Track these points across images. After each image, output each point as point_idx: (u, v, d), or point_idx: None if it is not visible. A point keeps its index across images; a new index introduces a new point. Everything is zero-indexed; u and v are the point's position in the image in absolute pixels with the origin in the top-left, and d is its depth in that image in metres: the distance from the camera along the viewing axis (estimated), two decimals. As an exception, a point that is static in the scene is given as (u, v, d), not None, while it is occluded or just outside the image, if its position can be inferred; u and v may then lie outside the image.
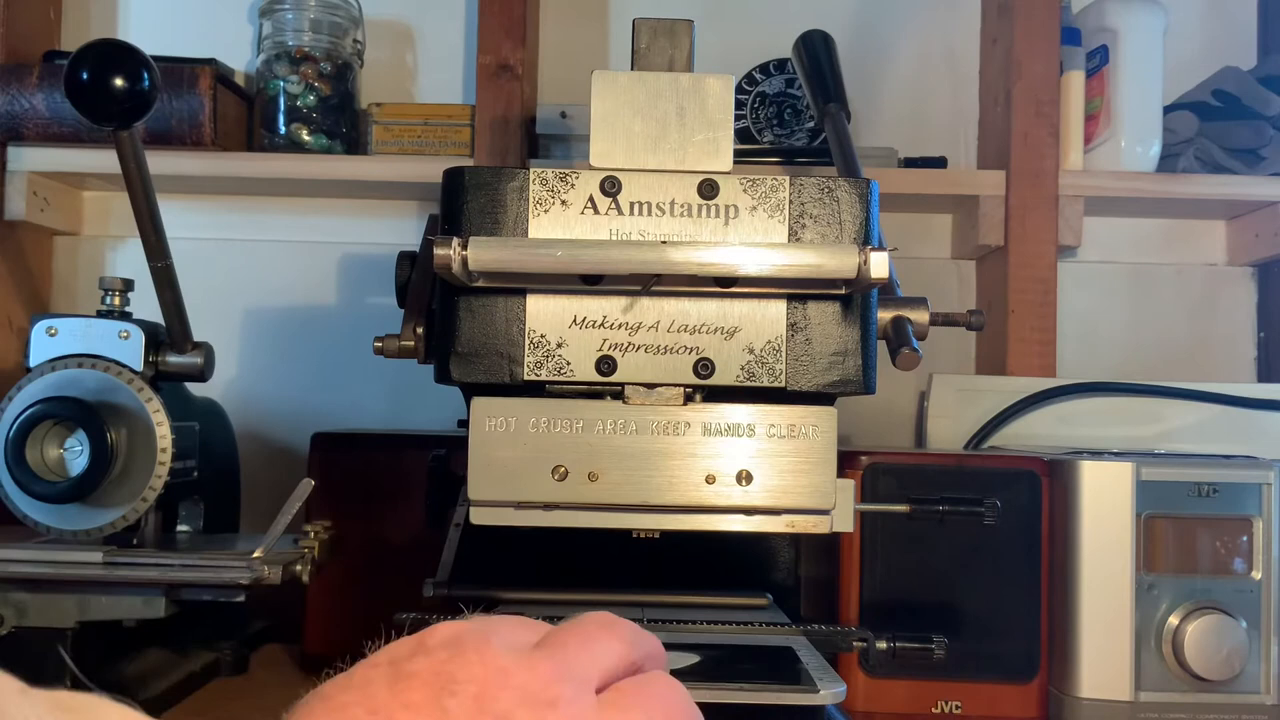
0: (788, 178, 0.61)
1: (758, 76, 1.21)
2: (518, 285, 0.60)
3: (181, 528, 0.91)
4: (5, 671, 0.24)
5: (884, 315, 0.64)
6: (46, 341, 0.81)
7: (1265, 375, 1.22)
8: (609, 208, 0.60)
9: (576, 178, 0.60)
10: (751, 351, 0.60)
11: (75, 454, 0.79)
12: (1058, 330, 1.13)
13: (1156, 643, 0.78)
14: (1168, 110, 1.13)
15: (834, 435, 0.61)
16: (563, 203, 0.60)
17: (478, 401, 0.60)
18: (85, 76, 0.65)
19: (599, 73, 0.63)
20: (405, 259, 0.70)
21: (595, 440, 0.60)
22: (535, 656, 0.33)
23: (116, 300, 0.85)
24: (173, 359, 0.83)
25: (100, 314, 0.83)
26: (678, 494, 0.60)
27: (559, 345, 0.60)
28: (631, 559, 0.80)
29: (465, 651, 0.32)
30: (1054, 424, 1.10)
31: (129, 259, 1.22)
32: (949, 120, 1.25)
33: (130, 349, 0.81)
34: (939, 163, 1.17)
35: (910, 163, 1.16)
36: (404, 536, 0.92)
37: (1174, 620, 0.78)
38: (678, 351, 0.60)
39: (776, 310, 0.60)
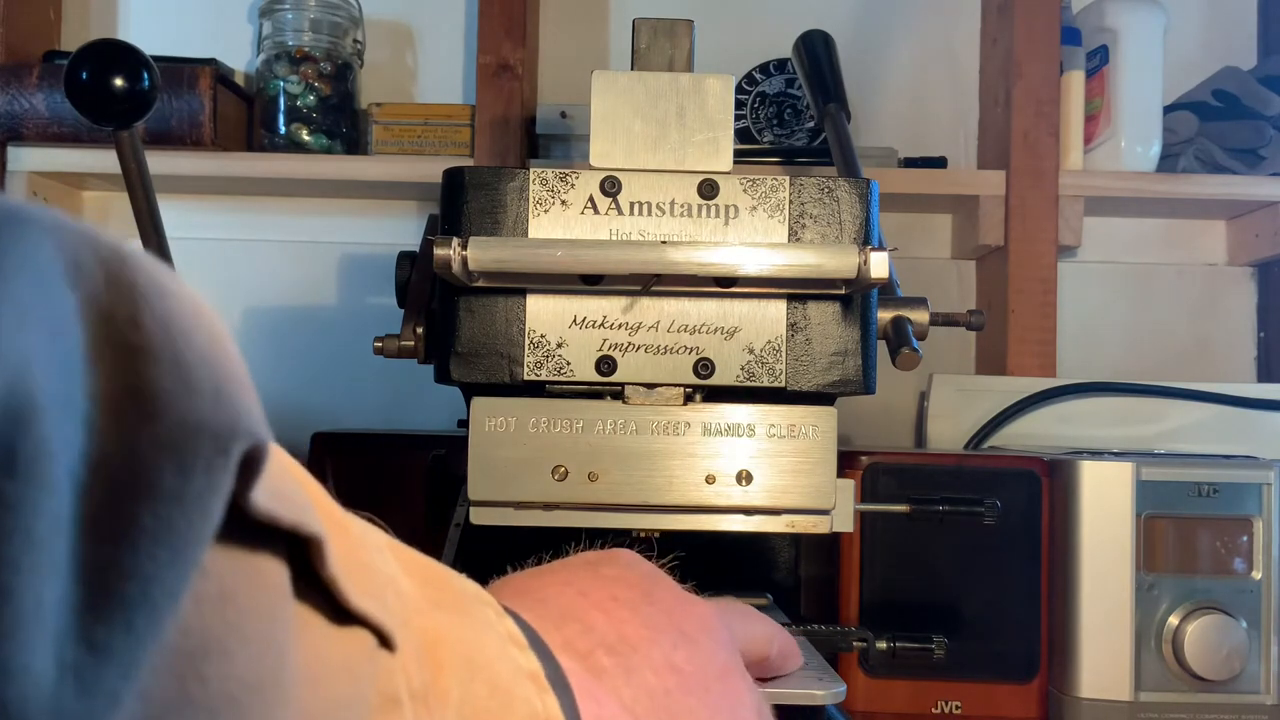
0: (788, 178, 0.61)
1: (758, 76, 1.21)
2: (518, 285, 0.60)
3: (181, 528, 0.91)
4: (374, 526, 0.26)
5: (884, 315, 0.64)
6: (46, 341, 0.81)
7: (1265, 375, 1.22)
8: (609, 208, 0.60)
9: (576, 178, 0.60)
10: (751, 351, 0.60)
11: (75, 454, 0.79)
12: (1058, 330, 1.13)
13: (1156, 643, 0.78)
14: (1168, 110, 1.14)
15: (834, 435, 0.61)
16: (563, 203, 0.60)
17: (478, 401, 0.60)
18: (85, 76, 0.65)
19: (599, 73, 0.63)
20: (405, 259, 0.70)
21: (595, 440, 0.60)
22: (706, 600, 0.37)
23: (116, 300, 0.84)
24: (173, 359, 0.83)
25: (100, 314, 0.83)
26: (678, 494, 0.60)
27: (559, 345, 0.60)
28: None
29: (652, 574, 0.36)
30: (1054, 424, 1.10)
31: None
32: (949, 120, 1.25)
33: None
34: (939, 163, 1.17)
35: (910, 163, 1.16)
36: (404, 536, 0.91)
37: (1174, 620, 0.78)
38: (678, 351, 0.60)
39: (776, 310, 0.60)
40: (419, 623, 0.25)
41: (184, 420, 0.17)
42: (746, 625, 0.39)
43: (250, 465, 0.18)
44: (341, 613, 0.22)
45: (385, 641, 0.23)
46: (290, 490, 0.20)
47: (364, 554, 0.24)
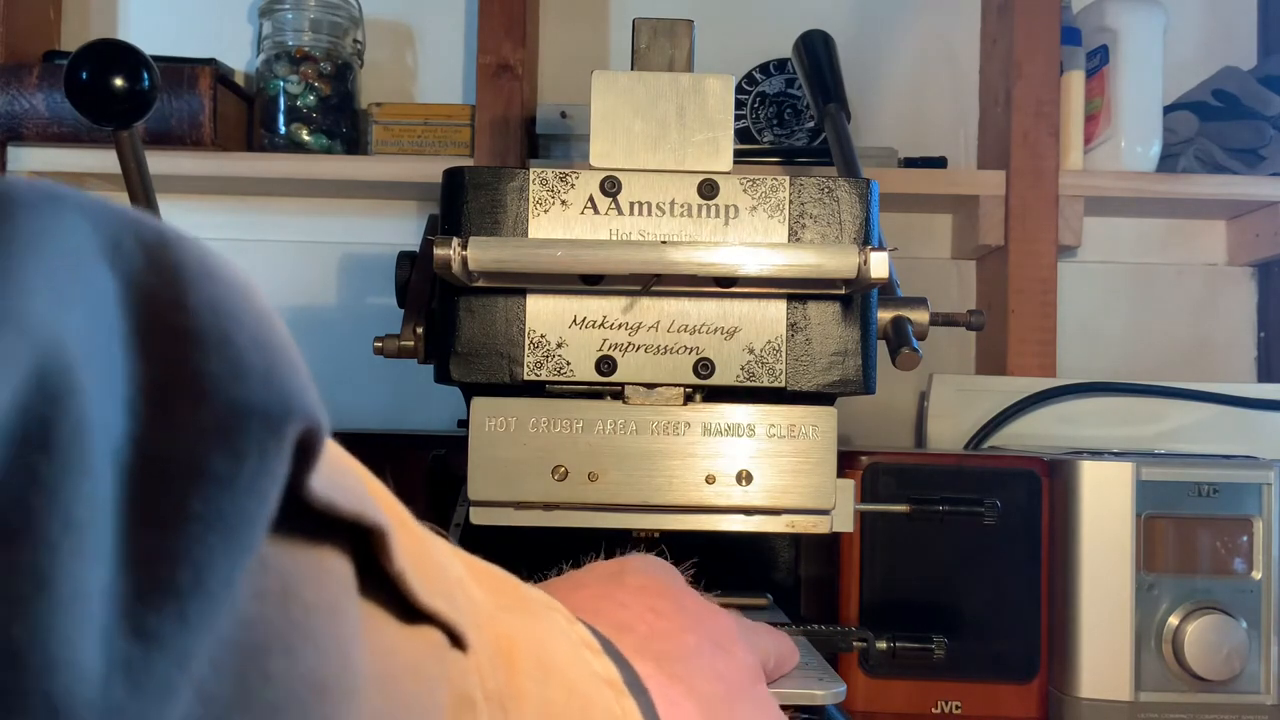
0: (788, 178, 0.61)
1: (758, 76, 1.21)
2: (518, 285, 0.60)
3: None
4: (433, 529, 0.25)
5: (884, 315, 0.64)
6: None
7: (1265, 375, 1.22)
8: (609, 208, 0.60)
9: (576, 178, 0.60)
10: (751, 351, 0.60)
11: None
12: (1058, 330, 1.13)
13: (1156, 643, 0.78)
14: (1168, 110, 1.13)
15: (834, 435, 0.61)
16: (563, 203, 0.60)
17: (478, 401, 0.60)
18: (85, 76, 0.65)
19: (599, 73, 0.63)
20: (405, 259, 0.70)
21: (595, 440, 0.60)
22: (723, 609, 0.37)
23: (116, 300, 0.85)
24: (173, 359, 0.83)
25: (100, 314, 0.83)
26: (678, 494, 0.60)
27: (559, 345, 0.60)
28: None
29: (671, 579, 0.36)
30: (1054, 424, 1.10)
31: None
32: (949, 120, 1.25)
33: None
34: (939, 163, 1.17)
35: (910, 163, 1.16)
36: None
37: (1174, 620, 0.78)
38: (678, 351, 0.60)
39: (776, 310, 0.60)
40: (491, 625, 0.25)
41: (233, 403, 0.16)
42: (756, 635, 0.40)
43: (306, 451, 0.18)
44: (410, 611, 0.21)
45: (457, 641, 0.22)
46: (350, 481, 0.20)
47: (431, 552, 0.23)
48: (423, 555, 0.22)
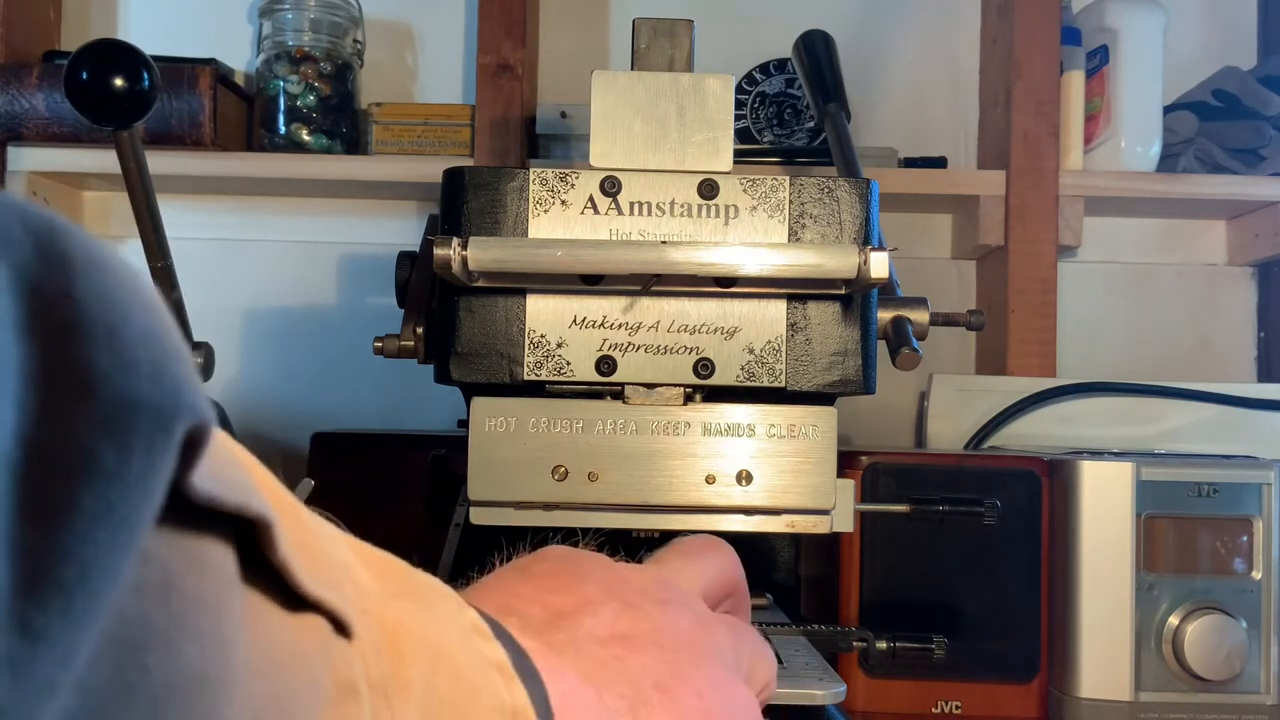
0: (788, 178, 0.61)
1: (758, 76, 1.21)
2: (518, 285, 0.60)
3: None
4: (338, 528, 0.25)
5: (884, 315, 0.64)
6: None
7: (1265, 375, 1.22)
8: (609, 208, 0.60)
9: (576, 178, 0.60)
10: (751, 351, 0.60)
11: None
12: (1058, 330, 1.13)
13: (1156, 643, 0.78)
14: (1168, 110, 1.13)
15: (834, 435, 0.61)
16: (563, 203, 0.60)
17: (478, 401, 0.60)
18: (85, 76, 0.65)
19: (599, 72, 0.63)
20: (405, 259, 0.70)
21: (595, 440, 0.60)
22: (643, 567, 0.36)
23: (116, 300, 0.84)
24: (173, 359, 0.83)
25: (100, 314, 0.83)
26: (678, 494, 0.60)
27: (559, 345, 0.60)
28: (631, 559, 0.80)
29: (583, 559, 0.35)
30: (1054, 424, 1.10)
31: (129, 259, 1.22)
32: (949, 120, 1.25)
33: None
34: (939, 163, 1.17)
35: (910, 163, 1.16)
36: (404, 536, 0.91)
37: (1174, 620, 0.78)
38: (678, 351, 0.60)
39: (776, 310, 0.60)
40: (378, 612, 0.24)
41: (121, 397, 0.16)
42: (695, 568, 0.38)
43: (192, 446, 0.17)
44: (294, 599, 0.21)
45: (342, 629, 0.22)
46: (235, 473, 0.20)
47: (318, 540, 0.23)
48: (309, 544, 0.22)
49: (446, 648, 0.26)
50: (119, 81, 0.66)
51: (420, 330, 0.65)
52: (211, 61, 1.09)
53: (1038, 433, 1.09)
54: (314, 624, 0.22)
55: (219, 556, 0.19)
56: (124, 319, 0.17)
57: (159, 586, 0.17)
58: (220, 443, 0.19)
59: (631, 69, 0.65)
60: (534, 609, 0.32)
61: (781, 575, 0.87)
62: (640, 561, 0.39)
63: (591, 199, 0.60)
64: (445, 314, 0.61)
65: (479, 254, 0.55)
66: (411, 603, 0.26)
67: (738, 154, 0.74)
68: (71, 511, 0.15)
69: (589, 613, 0.32)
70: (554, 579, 0.33)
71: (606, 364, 0.60)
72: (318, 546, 0.23)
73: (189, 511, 0.18)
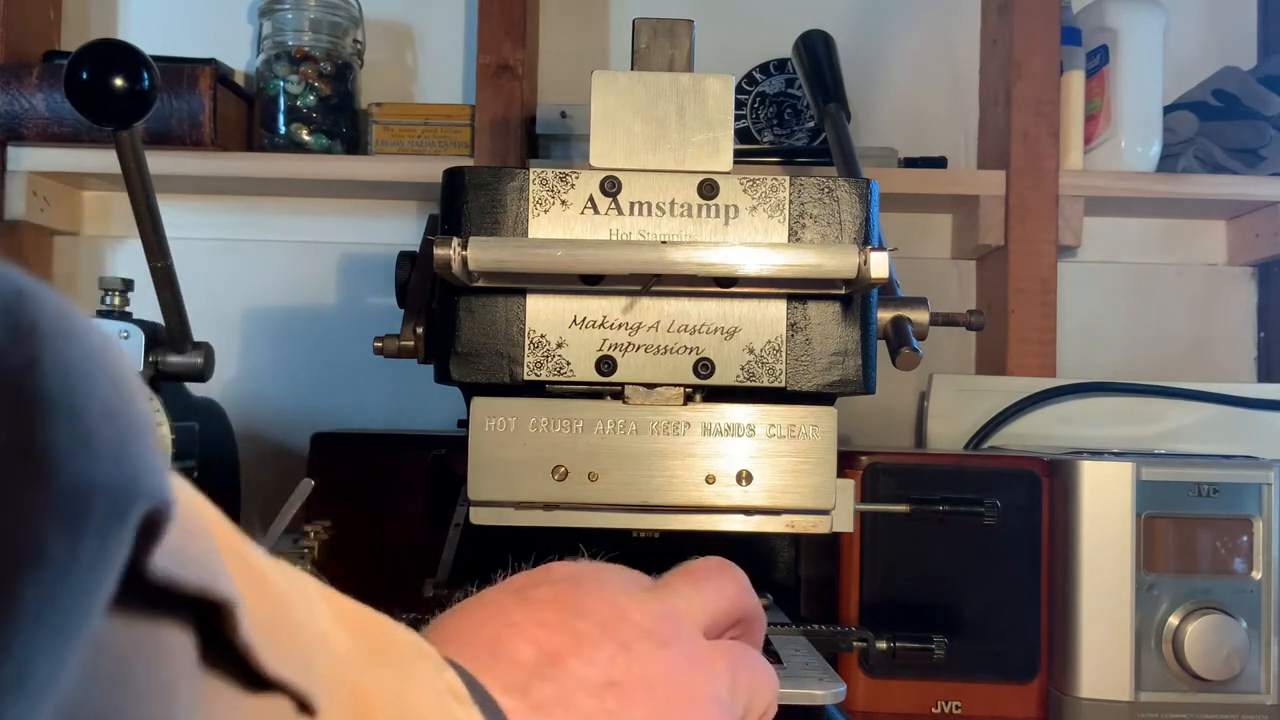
0: (788, 178, 0.61)
1: (758, 76, 1.21)
2: (518, 285, 0.60)
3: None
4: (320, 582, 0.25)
5: (884, 315, 0.64)
6: (46, 341, 0.80)
7: (1265, 375, 1.22)
8: (609, 208, 0.60)
9: (576, 178, 0.60)
10: (751, 351, 0.60)
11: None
12: (1058, 330, 1.13)
13: (1156, 643, 0.78)
14: (1168, 110, 1.13)
15: (834, 435, 0.61)
16: (563, 203, 0.60)
17: (478, 401, 0.60)
18: (85, 76, 0.65)
19: (599, 73, 0.63)
20: (405, 259, 0.70)
21: (595, 440, 0.60)
22: (646, 597, 0.35)
23: (116, 300, 0.85)
24: (173, 359, 0.83)
25: (100, 314, 0.83)
26: (678, 494, 0.60)
27: (559, 345, 0.60)
28: (631, 559, 0.80)
29: (585, 585, 0.34)
30: (1054, 424, 1.10)
31: (129, 259, 1.22)
32: (949, 120, 1.25)
33: (130, 349, 0.81)
34: (939, 163, 1.17)
35: (910, 163, 1.16)
36: (404, 536, 0.92)
37: (1174, 620, 0.78)
38: (678, 351, 0.60)
39: (776, 310, 0.60)
40: (351, 682, 0.24)
41: (79, 481, 0.15)
42: (703, 596, 0.37)
43: (151, 528, 0.17)
44: (258, 679, 0.21)
45: (305, 708, 0.22)
46: (198, 549, 0.19)
47: (288, 612, 0.22)
48: (278, 619, 0.22)
49: (418, 715, 0.25)
50: (119, 81, 0.66)
51: (420, 330, 0.65)
52: (211, 61, 1.09)
53: (1038, 433, 1.09)
54: (277, 706, 0.21)
55: (177, 641, 0.19)
56: (89, 394, 0.16)
57: (111, 676, 0.17)
58: (188, 511, 0.19)
59: (631, 69, 0.65)
60: (525, 648, 0.31)
61: (781, 575, 0.87)
62: (649, 573, 0.38)
63: (591, 199, 0.60)
64: (445, 314, 0.61)
65: (479, 254, 0.55)
66: (386, 668, 0.25)
67: (738, 154, 0.74)
68: (13, 606, 0.14)
69: (583, 657, 0.31)
70: (551, 610, 0.32)
71: (606, 364, 0.60)
72: (287, 620, 0.22)
73: (148, 594, 0.17)
